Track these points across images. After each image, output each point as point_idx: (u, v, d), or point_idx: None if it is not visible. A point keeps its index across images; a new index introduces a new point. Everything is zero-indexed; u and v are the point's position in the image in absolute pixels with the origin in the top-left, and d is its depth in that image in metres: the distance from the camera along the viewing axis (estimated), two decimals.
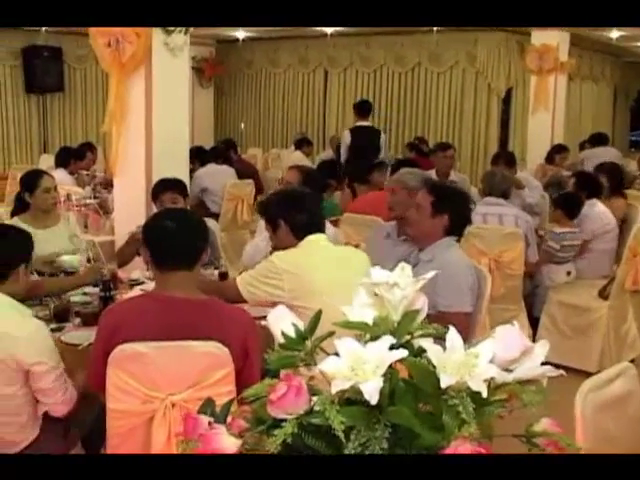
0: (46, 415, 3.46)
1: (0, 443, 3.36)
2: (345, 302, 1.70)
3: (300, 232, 3.99)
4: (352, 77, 15.72)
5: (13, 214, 5.56)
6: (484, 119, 14.31)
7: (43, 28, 13.88)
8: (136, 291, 4.59)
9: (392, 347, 1.50)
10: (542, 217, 8.21)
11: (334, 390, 1.42)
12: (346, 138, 10.87)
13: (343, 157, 10.65)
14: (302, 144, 12.88)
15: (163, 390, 3.10)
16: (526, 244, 6.17)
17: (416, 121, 15.10)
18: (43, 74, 14.66)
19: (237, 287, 3.96)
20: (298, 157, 12.05)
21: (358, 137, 10.75)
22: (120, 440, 3.21)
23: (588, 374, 3.12)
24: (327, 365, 1.46)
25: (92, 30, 6.00)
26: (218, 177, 9.44)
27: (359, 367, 1.43)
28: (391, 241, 5.16)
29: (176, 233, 3.27)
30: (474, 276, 4.30)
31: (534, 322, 6.53)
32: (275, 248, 4.11)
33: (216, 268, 5.15)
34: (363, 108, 11.43)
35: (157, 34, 5.97)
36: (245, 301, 3.93)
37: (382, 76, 15.38)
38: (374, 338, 1.54)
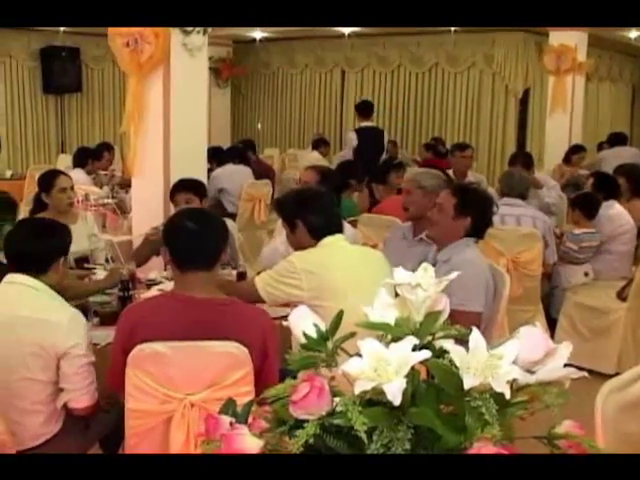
0: (68, 412, 3.49)
1: (26, 434, 3.38)
2: (364, 302, 1.70)
3: (318, 233, 3.98)
4: (369, 77, 15.72)
5: (32, 213, 5.60)
6: (501, 120, 14.29)
7: (61, 29, 13.95)
8: (154, 291, 4.61)
9: (414, 348, 1.50)
10: (560, 217, 8.18)
11: (357, 391, 1.42)
12: (352, 140, 10.83)
13: (347, 158, 10.53)
14: (319, 144, 12.84)
15: (182, 390, 3.10)
16: (544, 245, 6.15)
17: (433, 122, 15.09)
18: (61, 75, 14.74)
19: (255, 287, 3.97)
20: (315, 157, 12.02)
21: (364, 138, 10.73)
22: (138, 440, 3.22)
23: (605, 376, 3.10)
24: (350, 366, 1.46)
25: (111, 31, 6.01)
26: (235, 177, 9.44)
27: (382, 368, 1.43)
28: (407, 242, 5.16)
29: (197, 234, 3.26)
30: (489, 276, 4.27)
31: (551, 323, 6.51)
32: (295, 248, 4.11)
33: (234, 268, 5.15)
34: (366, 108, 11.43)
35: (175, 35, 5.99)
36: (264, 301, 3.93)
37: (399, 77, 15.38)
38: (396, 339, 1.53)
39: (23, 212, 6.63)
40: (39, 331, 3.30)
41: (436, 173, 5.67)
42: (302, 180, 5.97)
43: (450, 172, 8.39)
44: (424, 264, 1.64)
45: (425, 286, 1.59)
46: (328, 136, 14.85)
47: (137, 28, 5.75)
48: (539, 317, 6.21)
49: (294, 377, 1.64)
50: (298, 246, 4.05)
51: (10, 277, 3.50)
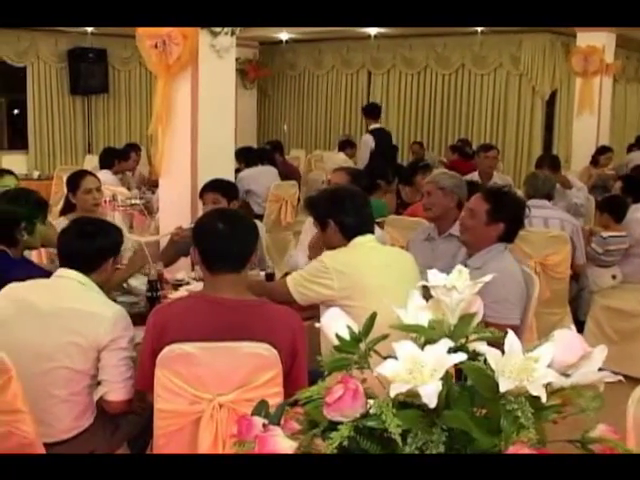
0: (100, 409, 3.52)
1: (57, 425, 3.40)
2: (394, 303, 1.69)
3: (349, 232, 3.98)
4: (395, 79, 15.70)
5: (61, 213, 5.65)
6: (528, 121, 14.23)
7: (89, 31, 14.05)
8: (182, 292, 4.61)
9: (448, 350, 1.49)
10: (587, 219, 8.13)
11: (392, 393, 1.41)
12: (369, 141, 10.80)
13: (365, 161, 10.52)
14: (346, 146, 12.83)
15: (211, 391, 3.10)
16: (572, 247, 6.11)
17: (459, 123, 15.04)
18: (88, 76, 14.84)
19: (287, 287, 3.97)
20: (342, 159, 12.02)
21: (379, 139, 10.73)
22: (166, 440, 3.22)
23: (634, 379, 3.08)
24: (385, 368, 1.45)
25: (139, 32, 6.04)
26: (261, 179, 9.45)
27: (417, 370, 1.42)
28: (434, 242, 5.15)
29: (228, 235, 3.25)
30: (523, 283, 4.24)
31: (579, 326, 6.46)
32: (326, 247, 4.10)
33: (262, 269, 5.15)
34: (374, 110, 11.46)
35: (203, 36, 6.00)
36: (295, 302, 3.93)
37: (425, 78, 15.36)
38: (430, 341, 1.53)
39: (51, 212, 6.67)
40: (82, 322, 3.34)
41: (454, 173, 5.82)
42: (331, 181, 5.96)
43: (475, 173, 8.39)
44: (458, 266, 1.63)
45: (460, 288, 1.58)
46: (354, 137, 14.83)
47: (165, 29, 5.77)
48: (567, 320, 6.17)
49: (324, 379, 1.64)
50: (329, 245, 4.05)
51: (61, 271, 3.57)
